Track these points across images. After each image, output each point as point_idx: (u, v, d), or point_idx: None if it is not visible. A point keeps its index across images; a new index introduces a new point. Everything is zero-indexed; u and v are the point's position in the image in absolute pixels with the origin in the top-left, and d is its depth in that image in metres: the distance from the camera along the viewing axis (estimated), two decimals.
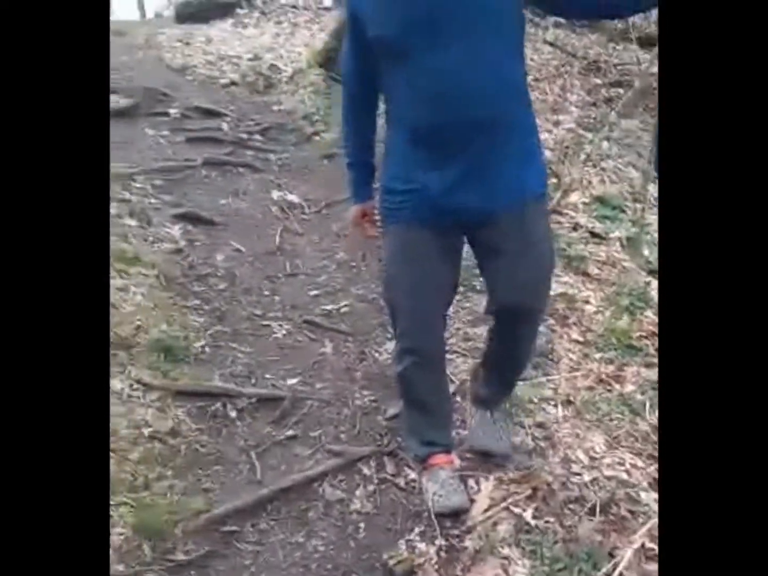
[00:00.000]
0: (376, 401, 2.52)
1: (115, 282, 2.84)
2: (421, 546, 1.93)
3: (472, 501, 2.02)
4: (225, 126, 4.97)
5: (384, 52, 1.71)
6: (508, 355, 2.05)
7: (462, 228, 1.83)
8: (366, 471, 2.22)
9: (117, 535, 1.87)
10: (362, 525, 2.04)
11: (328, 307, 3.11)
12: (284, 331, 2.94)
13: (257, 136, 4.86)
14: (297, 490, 2.14)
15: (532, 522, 1.95)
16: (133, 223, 3.43)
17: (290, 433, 2.37)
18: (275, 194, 4.11)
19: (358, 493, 2.14)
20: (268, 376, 2.66)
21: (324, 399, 2.54)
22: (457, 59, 1.63)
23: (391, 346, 2.64)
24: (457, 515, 1.98)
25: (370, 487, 2.16)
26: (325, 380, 2.65)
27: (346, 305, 3.11)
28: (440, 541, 1.94)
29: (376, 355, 2.77)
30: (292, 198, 4.07)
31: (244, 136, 4.86)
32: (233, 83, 5.89)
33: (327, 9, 7.93)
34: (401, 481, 2.17)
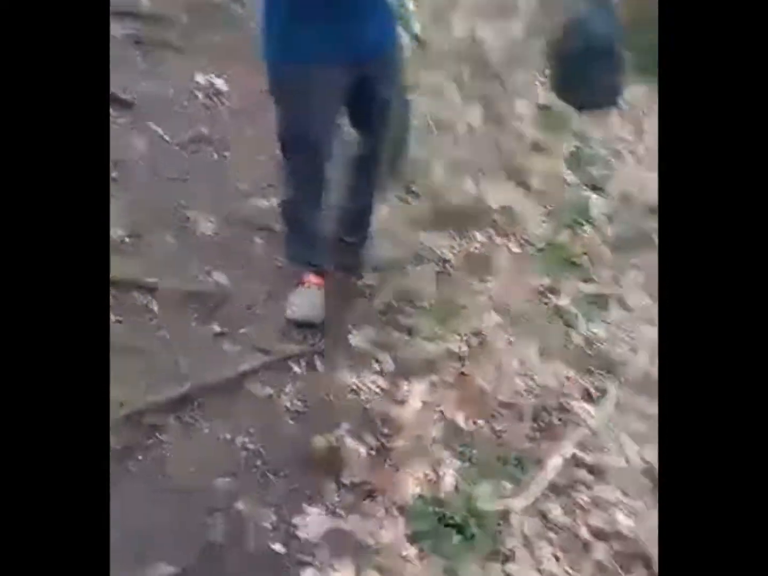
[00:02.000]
0: None
1: None
2: (351, 443, 1.91)
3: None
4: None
5: None
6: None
7: (330, 73, 2.04)
8: (296, 369, 2.16)
9: None
10: (291, 422, 1.99)
11: (259, 203, 2.94)
12: (212, 226, 2.77)
13: (182, 15, 4.45)
14: (224, 386, 2.07)
15: (463, 425, 1.96)
16: None
17: (217, 329, 2.27)
18: (201, 78, 3.81)
19: (287, 390, 2.09)
20: (193, 271, 2.51)
21: (253, 296, 2.43)
22: None
23: None
24: (306, 326, 2.28)
25: (300, 385, 2.10)
26: (254, 278, 2.53)
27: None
28: (370, 440, 1.92)
29: None
30: (221, 84, 3.79)
31: (168, 12, 4.44)
32: None
33: None
34: (331, 380, 2.12)
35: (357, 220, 2.52)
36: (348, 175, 2.44)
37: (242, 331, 2.29)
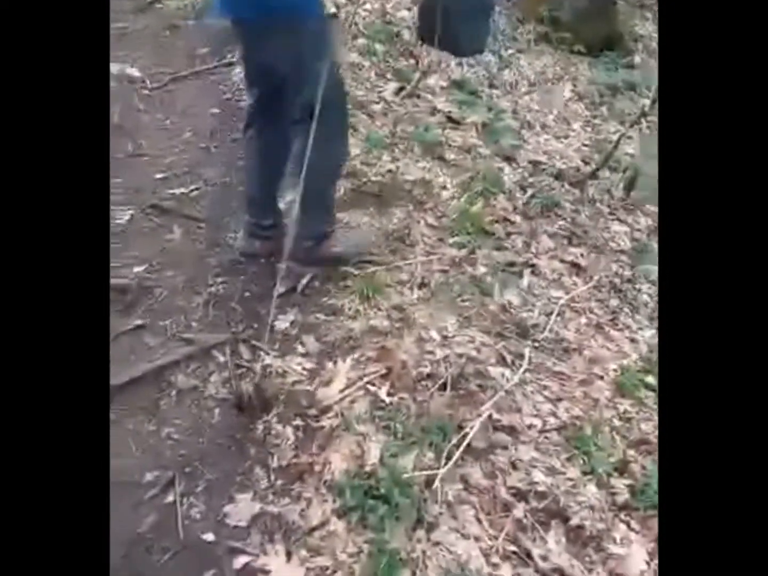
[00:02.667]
0: (230, 288, 2.43)
1: None
2: (278, 427, 1.94)
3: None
4: None
5: None
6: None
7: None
8: (221, 358, 2.17)
9: None
10: (217, 410, 2.01)
11: (176, 191, 2.92)
12: (128, 217, 2.74)
13: None
14: (147, 379, 2.06)
15: (387, 399, 2.00)
16: None
17: (138, 322, 2.25)
18: (113, 67, 3.72)
19: (212, 379, 2.09)
20: (111, 264, 2.48)
21: (174, 287, 2.42)
22: None
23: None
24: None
25: (225, 374, 2.11)
26: (174, 267, 2.51)
27: (195, 189, 2.94)
28: (297, 422, 1.95)
29: (230, 241, 2.65)
30: (132, 72, 3.71)
31: None
32: None
33: None
34: (257, 366, 2.14)
35: None
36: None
37: (164, 322, 2.28)
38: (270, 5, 2.07)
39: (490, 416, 1.93)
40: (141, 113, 3.42)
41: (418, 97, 3.58)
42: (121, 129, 3.27)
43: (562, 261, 2.68)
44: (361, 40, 3.96)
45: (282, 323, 2.30)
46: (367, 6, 4.30)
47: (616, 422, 2.00)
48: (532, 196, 2.98)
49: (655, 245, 2.93)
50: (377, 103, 3.49)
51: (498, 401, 1.99)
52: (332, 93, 2.22)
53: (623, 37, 4.94)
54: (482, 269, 2.55)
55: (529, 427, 1.94)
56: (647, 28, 5.37)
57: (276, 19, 2.08)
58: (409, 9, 4.27)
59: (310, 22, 2.19)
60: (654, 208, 3.18)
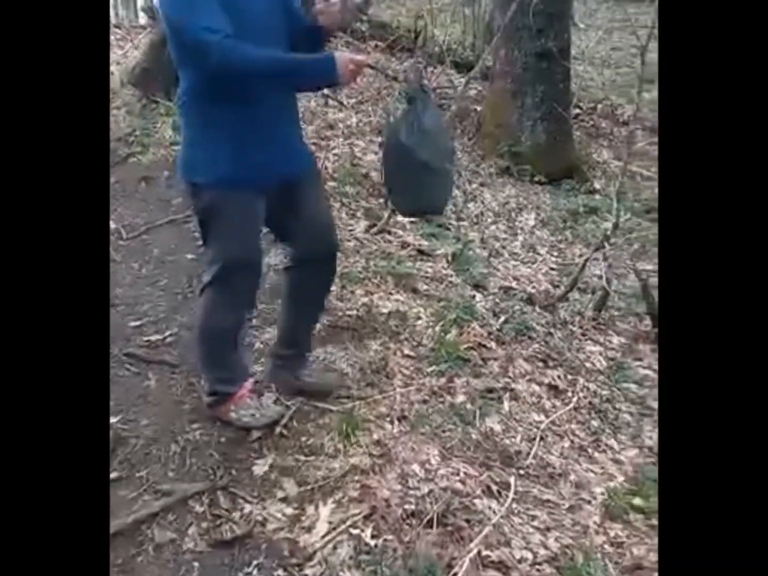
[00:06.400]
0: (207, 434, 2.39)
1: None
2: None
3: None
4: None
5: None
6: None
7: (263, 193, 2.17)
8: (198, 508, 2.09)
9: None
10: (196, 564, 1.92)
11: (152, 338, 2.93)
12: None
13: None
14: (123, 534, 1.97)
15: (371, 542, 1.93)
16: None
17: (114, 475, 2.19)
18: None
19: (190, 531, 2.01)
20: None
21: (150, 436, 2.37)
22: None
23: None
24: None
25: (204, 524, 2.04)
26: (150, 416, 2.47)
27: (171, 335, 2.95)
28: (279, 572, 1.87)
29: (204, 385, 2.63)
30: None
31: None
32: None
33: (141, 27, 7.58)
34: (236, 515, 2.07)
35: None
36: None
37: (140, 473, 2.22)
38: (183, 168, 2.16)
39: (479, 552, 1.87)
40: (115, 263, 3.49)
41: (389, 233, 3.71)
42: None
43: (540, 384, 2.69)
44: (331, 183, 4.14)
45: (260, 467, 2.25)
46: (336, 151, 4.53)
47: (608, 548, 1.93)
48: (506, 321, 3.03)
49: (632, 363, 2.98)
50: (349, 241, 3.60)
51: (486, 536, 1.92)
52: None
53: (581, 165, 5.23)
54: (461, 397, 2.55)
55: (520, 561, 1.87)
56: (603, 155, 5.71)
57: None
58: (375, 152, 4.51)
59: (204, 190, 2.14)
60: (625, 326, 3.26)
